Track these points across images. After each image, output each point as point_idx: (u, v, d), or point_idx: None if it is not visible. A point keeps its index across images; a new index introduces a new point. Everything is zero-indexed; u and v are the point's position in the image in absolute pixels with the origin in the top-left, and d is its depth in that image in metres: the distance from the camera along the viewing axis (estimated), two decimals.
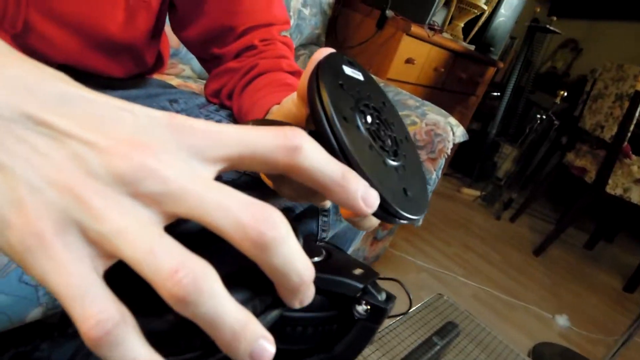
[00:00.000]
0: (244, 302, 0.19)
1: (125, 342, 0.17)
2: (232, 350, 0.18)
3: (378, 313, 0.30)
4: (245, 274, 0.21)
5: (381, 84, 1.45)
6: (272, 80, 0.55)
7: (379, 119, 0.29)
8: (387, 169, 0.26)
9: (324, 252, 0.32)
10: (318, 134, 0.24)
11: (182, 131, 0.19)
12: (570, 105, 3.36)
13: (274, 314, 0.22)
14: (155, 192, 0.18)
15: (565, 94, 2.57)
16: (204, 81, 1.28)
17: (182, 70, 1.23)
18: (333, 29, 1.76)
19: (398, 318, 0.75)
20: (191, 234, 0.20)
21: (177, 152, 0.19)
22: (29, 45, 0.47)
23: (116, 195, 0.18)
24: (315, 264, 0.31)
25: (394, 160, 0.28)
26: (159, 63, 0.68)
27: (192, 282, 0.17)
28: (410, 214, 0.26)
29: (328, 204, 0.33)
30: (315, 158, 0.21)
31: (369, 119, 0.27)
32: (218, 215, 0.18)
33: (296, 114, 0.32)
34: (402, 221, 0.26)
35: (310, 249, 0.32)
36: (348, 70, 0.29)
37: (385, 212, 0.25)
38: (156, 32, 0.60)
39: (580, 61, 4.07)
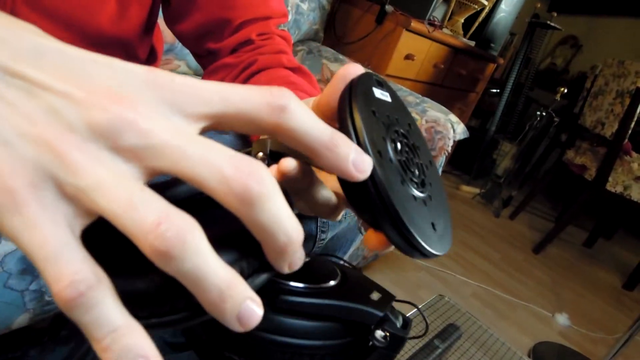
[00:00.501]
0: (231, 264, 0.18)
1: (100, 305, 0.16)
2: (218, 311, 0.17)
3: (397, 341, 0.29)
4: (232, 238, 0.20)
5: None
6: (273, 77, 0.53)
7: (407, 145, 0.28)
8: (417, 203, 0.25)
9: (339, 274, 0.31)
10: None
11: (162, 86, 0.18)
12: (569, 102, 3.35)
13: (262, 277, 0.21)
14: (135, 146, 0.17)
15: (565, 90, 2.55)
16: (200, 77, 1.26)
17: (178, 66, 1.20)
18: (332, 25, 1.73)
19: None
20: (178, 200, 0.18)
21: (157, 106, 0.18)
22: None
23: (94, 149, 0.17)
24: (331, 288, 0.29)
25: (422, 192, 0.27)
26: (152, 58, 0.65)
27: (175, 235, 0.16)
28: (438, 250, 0.25)
29: (339, 217, 0.31)
30: (302, 118, 0.20)
31: (399, 147, 0.26)
32: (201, 168, 0.17)
33: None
34: (429, 257, 0.26)
35: (325, 271, 0.31)
36: (377, 92, 0.28)
37: (415, 250, 0.24)
38: (149, 25, 0.58)
39: (580, 58, 4.06)
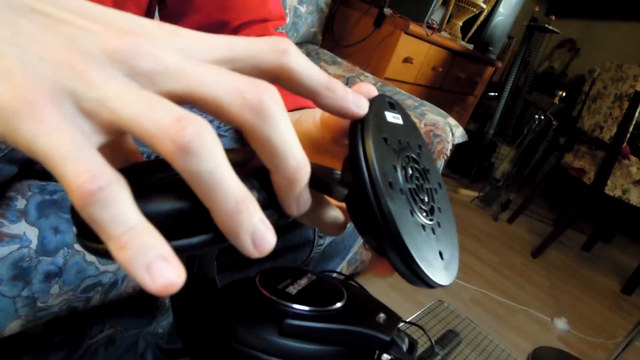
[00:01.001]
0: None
1: (118, 202, 0.15)
2: (233, 224, 0.17)
3: None
4: (246, 173, 0.20)
5: (378, 84, 1.43)
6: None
7: (417, 170, 0.27)
8: (426, 233, 0.25)
9: (345, 295, 0.30)
10: (358, 198, 0.23)
11: (172, 32, 0.19)
12: (567, 106, 3.35)
13: (273, 216, 0.21)
14: (150, 70, 0.17)
15: (564, 94, 2.55)
16: None
17: None
18: (330, 27, 1.73)
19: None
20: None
21: (169, 45, 0.19)
22: None
23: (112, 72, 0.17)
24: (337, 311, 0.29)
25: (430, 220, 0.26)
26: None
27: (196, 130, 0.16)
28: (444, 280, 0.25)
29: (343, 231, 0.30)
30: (302, 61, 0.21)
31: (409, 173, 0.26)
32: (215, 86, 0.17)
33: (317, 136, 0.30)
34: (435, 288, 0.26)
35: (331, 292, 0.31)
36: (390, 116, 0.27)
37: (421, 280, 0.24)
38: None
39: (578, 61, 4.06)
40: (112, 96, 0.16)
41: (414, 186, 0.26)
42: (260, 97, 0.17)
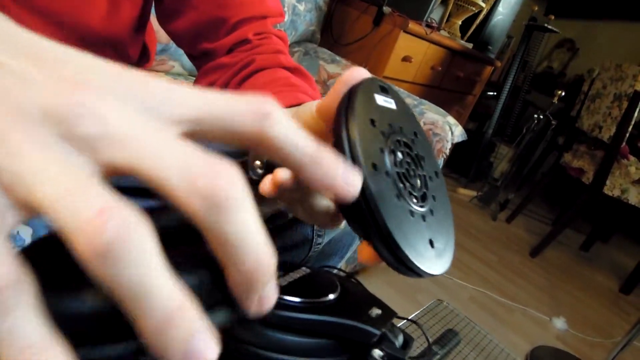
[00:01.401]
0: (187, 288, 0.15)
1: (17, 311, 0.12)
2: (160, 342, 0.13)
3: None
4: (194, 260, 0.17)
5: None
6: (273, 78, 0.51)
7: (410, 156, 0.26)
8: (415, 219, 0.24)
9: (338, 288, 0.30)
10: None
11: (135, 83, 0.16)
12: (566, 105, 3.35)
13: (223, 314, 0.17)
14: (91, 135, 0.14)
15: (563, 93, 2.55)
16: (194, 78, 1.24)
17: (172, 67, 1.19)
18: (328, 26, 1.72)
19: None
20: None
21: (127, 102, 0.15)
22: None
23: (44, 135, 0.14)
24: (328, 303, 0.28)
25: (421, 206, 0.25)
26: (144, 57, 0.64)
27: (119, 226, 0.13)
28: (434, 269, 0.24)
29: (342, 225, 0.29)
30: (285, 129, 0.18)
31: (399, 157, 0.25)
32: (163, 164, 0.14)
33: (315, 127, 0.29)
34: (424, 277, 0.24)
35: (324, 284, 0.30)
36: (380, 99, 0.26)
37: (407, 269, 0.23)
38: (140, 24, 0.56)
39: (577, 61, 4.07)
40: (33, 170, 0.13)
41: (403, 170, 0.25)
42: (214, 184, 0.14)
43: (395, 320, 0.31)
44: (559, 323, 1.81)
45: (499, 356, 0.84)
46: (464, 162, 3.20)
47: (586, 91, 2.62)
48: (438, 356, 0.70)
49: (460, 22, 2.01)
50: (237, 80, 0.53)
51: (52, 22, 0.46)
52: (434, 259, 0.24)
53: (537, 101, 3.72)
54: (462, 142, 1.38)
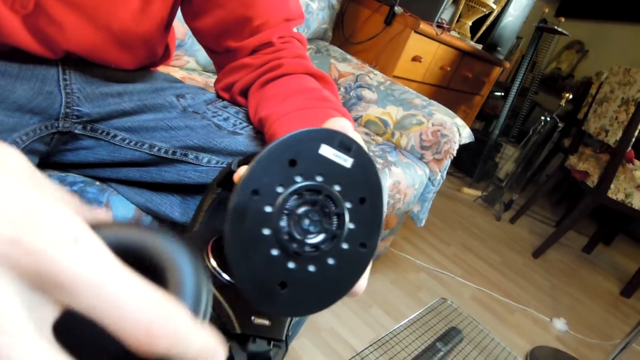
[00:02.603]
0: None
1: None
2: None
3: None
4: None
5: (387, 82, 1.43)
6: (304, 88, 0.52)
7: (323, 207, 0.27)
8: (269, 256, 0.25)
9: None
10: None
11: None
12: (574, 108, 3.35)
13: None
14: None
15: (571, 96, 2.55)
16: (209, 74, 1.26)
17: (187, 62, 1.21)
18: (340, 24, 1.73)
19: (402, 323, 0.74)
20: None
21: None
22: (39, 27, 0.46)
23: None
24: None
25: (294, 254, 0.26)
26: (165, 55, 0.66)
27: None
28: (268, 307, 0.26)
29: None
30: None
31: (295, 202, 0.26)
32: None
33: None
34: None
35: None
36: (330, 152, 0.27)
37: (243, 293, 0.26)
38: (169, 22, 0.58)
39: (586, 63, 4.05)
40: None
41: (298, 212, 0.26)
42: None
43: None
44: (559, 324, 1.83)
45: (500, 355, 0.86)
46: (470, 162, 3.21)
47: (594, 94, 2.62)
48: (442, 353, 0.72)
49: (470, 23, 2.02)
50: (262, 81, 0.55)
51: (86, 17, 0.48)
52: (276, 299, 0.26)
53: (544, 102, 3.72)
54: (470, 142, 1.39)
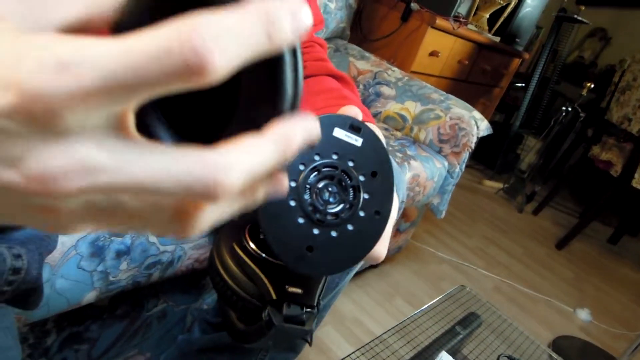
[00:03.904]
0: None
1: None
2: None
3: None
4: None
5: (405, 78, 1.47)
6: (325, 88, 0.57)
7: (340, 180, 0.32)
8: (296, 224, 0.30)
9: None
10: None
11: (53, 123, 0.14)
12: (597, 97, 3.30)
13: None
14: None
15: (592, 85, 2.53)
16: None
17: None
18: (358, 22, 1.77)
19: (421, 309, 0.78)
20: None
21: (76, 144, 0.14)
22: None
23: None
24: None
25: (318, 222, 0.31)
26: None
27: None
28: (301, 268, 0.31)
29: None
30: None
31: (316, 177, 0.31)
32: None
33: None
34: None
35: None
36: (342, 133, 0.32)
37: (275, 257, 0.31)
38: None
39: (609, 51, 3.98)
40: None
41: (317, 187, 0.31)
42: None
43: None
44: (583, 314, 1.84)
45: (522, 344, 0.88)
46: (491, 154, 3.20)
47: (617, 83, 2.59)
48: (461, 336, 0.75)
49: (487, 16, 2.03)
50: None
51: None
52: (305, 260, 0.31)
53: (567, 92, 3.67)
54: (489, 134, 1.42)
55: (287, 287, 0.34)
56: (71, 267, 0.53)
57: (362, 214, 0.32)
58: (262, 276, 0.34)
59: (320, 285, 0.36)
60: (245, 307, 0.36)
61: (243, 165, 0.15)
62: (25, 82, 0.13)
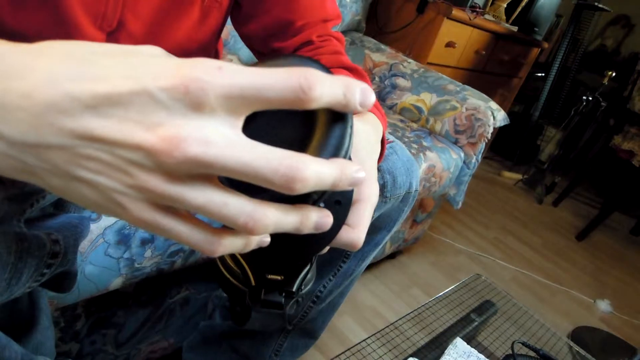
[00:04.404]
0: None
1: None
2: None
3: None
4: None
5: (421, 70, 1.47)
6: None
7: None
8: None
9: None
10: None
11: (199, 100, 0.21)
12: (619, 85, 3.23)
13: None
14: (203, 172, 0.21)
15: (614, 74, 2.48)
16: None
17: (231, 60, 1.29)
18: (373, 15, 1.77)
19: (436, 296, 0.80)
20: None
21: (205, 123, 0.21)
22: (119, 42, 0.53)
23: (179, 177, 0.22)
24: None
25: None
26: (216, 57, 0.73)
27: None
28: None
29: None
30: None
31: None
32: (257, 172, 0.21)
33: None
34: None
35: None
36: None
37: None
38: (221, 29, 0.65)
39: (632, 38, 3.88)
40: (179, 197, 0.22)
41: None
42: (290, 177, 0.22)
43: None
44: (603, 305, 1.82)
45: (539, 332, 0.89)
46: (510, 146, 3.17)
47: (639, 71, 2.53)
48: (476, 323, 0.77)
49: (505, 5, 2.00)
50: None
51: (157, 28, 0.53)
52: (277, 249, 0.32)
53: (588, 81, 3.60)
54: (508, 124, 1.41)
55: (267, 274, 0.37)
56: (99, 254, 0.56)
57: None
58: (244, 263, 0.37)
59: (303, 274, 0.38)
60: (235, 292, 0.38)
61: (315, 168, 0.22)
62: (191, 71, 0.20)
